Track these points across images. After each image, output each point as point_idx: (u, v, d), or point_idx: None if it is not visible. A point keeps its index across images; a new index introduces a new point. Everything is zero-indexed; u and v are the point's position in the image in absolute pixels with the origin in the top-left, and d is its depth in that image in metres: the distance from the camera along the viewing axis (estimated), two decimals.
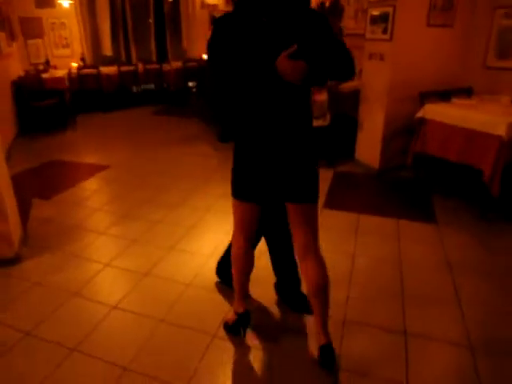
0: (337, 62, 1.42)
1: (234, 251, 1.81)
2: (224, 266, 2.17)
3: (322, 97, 3.97)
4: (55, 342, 1.89)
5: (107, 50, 7.80)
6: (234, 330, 1.92)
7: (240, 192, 1.64)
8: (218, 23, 1.47)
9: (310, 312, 1.86)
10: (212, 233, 2.91)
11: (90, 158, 4.70)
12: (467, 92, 3.82)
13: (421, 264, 2.50)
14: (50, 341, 1.91)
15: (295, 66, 1.34)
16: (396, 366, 1.75)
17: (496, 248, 2.66)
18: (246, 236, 1.75)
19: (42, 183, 3.97)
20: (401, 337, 1.91)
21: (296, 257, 1.77)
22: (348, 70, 1.45)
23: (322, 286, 1.69)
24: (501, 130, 2.78)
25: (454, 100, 3.50)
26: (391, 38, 3.61)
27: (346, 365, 1.75)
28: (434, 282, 2.32)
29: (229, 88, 1.54)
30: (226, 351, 1.85)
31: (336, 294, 2.19)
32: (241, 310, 1.91)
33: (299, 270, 1.80)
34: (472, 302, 2.14)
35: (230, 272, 1.89)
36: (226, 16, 1.48)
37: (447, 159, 3.20)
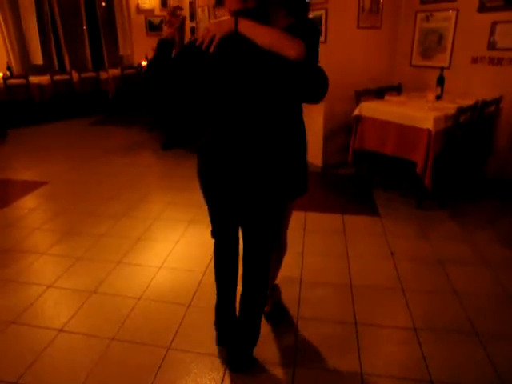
0: (312, 79, 1.45)
1: None
2: None
3: None
4: None
5: (37, 58, 7.34)
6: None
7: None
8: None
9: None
10: (160, 242, 2.84)
11: (25, 174, 4.40)
12: (397, 89, 4.08)
13: (366, 256, 2.63)
14: None
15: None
16: (349, 354, 1.83)
17: (432, 235, 2.87)
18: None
19: None
20: (351, 326, 1.99)
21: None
22: (321, 90, 1.49)
23: None
24: (429, 124, 2.99)
25: (387, 97, 3.72)
26: (325, 40, 3.76)
27: (301, 359, 1.80)
28: (379, 273, 2.45)
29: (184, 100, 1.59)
30: (182, 363, 1.82)
31: (289, 292, 2.25)
32: None
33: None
34: (414, 288, 2.29)
35: None
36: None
37: (384, 154, 3.39)
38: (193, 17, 7.55)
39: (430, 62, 3.96)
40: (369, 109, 3.50)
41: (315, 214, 3.21)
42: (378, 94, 3.83)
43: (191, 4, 7.55)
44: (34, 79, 6.55)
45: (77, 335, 2.00)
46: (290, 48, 1.32)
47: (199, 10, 7.31)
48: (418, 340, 1.90)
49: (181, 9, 1.52)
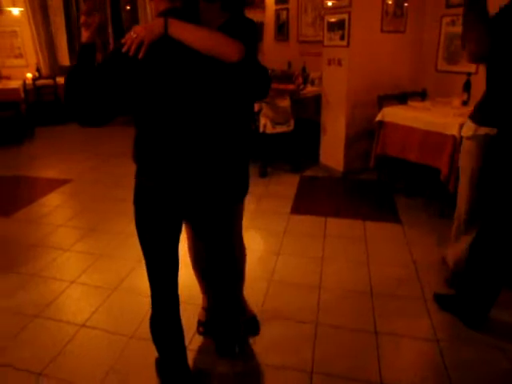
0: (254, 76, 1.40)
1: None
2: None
3: (284, 102, 4.04)
4: (20, 369, 1.80)
5: (64, 59, 7.55)
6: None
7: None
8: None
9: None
10: (183, 241, 2.86)
11: (51, 172, 4.52)
12: (422, 95, 4.01)
13: (388, 263, 2.59)
14: (14, 367, 1.81)
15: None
16: (368, 363, 1.80)
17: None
18: None
19: None
20: (371, 335, 1.96)
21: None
22: (263, 88, 1.45)
23: None
24: (454, 130, 2.93)
25: (410, 103, 3.66)
26: (348, 44, 3.74)
27: (318, 367, 1.78)
28: (401, 281, 2.41)
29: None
30: (200, 361, 1.83)
31: (308, 299, 2.24)
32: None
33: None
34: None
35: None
36: None
37: (407, 160, 3.34)
38: None
39: (456, 68, 3.88)
40: (391, 114, 3.45)
41: (336, 220, 3.19)
42: (401, 99, 3.77)
43: None
44: (61, 80, 6.72)
45: (98, 331, 2.03)
46: (227, 51, 1.23)
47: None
48: (440, 351, 1.86)
49: (95, 6, 1.29)
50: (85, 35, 1.27)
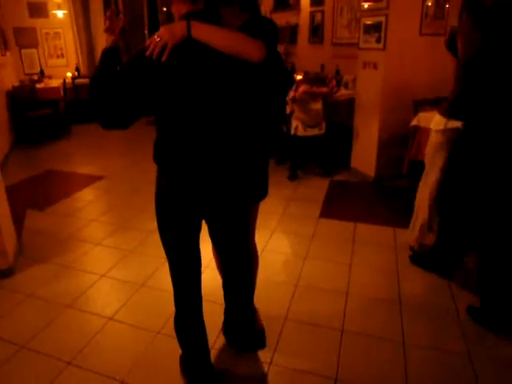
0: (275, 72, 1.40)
1: None
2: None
3: (317, 105, 4.02)
4: (51, 356, 1.88)
5: None
6: None
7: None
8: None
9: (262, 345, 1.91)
10: (208, 243, 2.90)
11: (85, 169, 4.69)
12: None
13: (418, 273, 2.51)
14: (45, 354, 1.89)
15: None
16: (395, 374, 1.76)
17: None
18: None
19: (36, 194, 3.95)
20: (399, 347, 1.91)
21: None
22: (285, 89, 1.46)
23: None
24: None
25: None
26: (384, 47, 3.67)
27: (343, 375, 1.75)
28: (431, 292, 2.33)
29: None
30: (225, 361, 1.84)
31: (333, 305, 2.21)
32: None
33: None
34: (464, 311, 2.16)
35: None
36: None
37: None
38: None
39: None
40: (427, 119, 3.35)
41: (365, 226, 3.13)
42: (437, 103, 3.65)
43: None
44: None
45: (125, 325, 2.09)
46: (250, 51, 1.23)
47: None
48: (473, 368, 1.78)
49: (119, 11, 1.34)
50: (108, 40, 1.32)
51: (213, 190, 1.43)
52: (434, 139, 2.36)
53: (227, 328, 1.93)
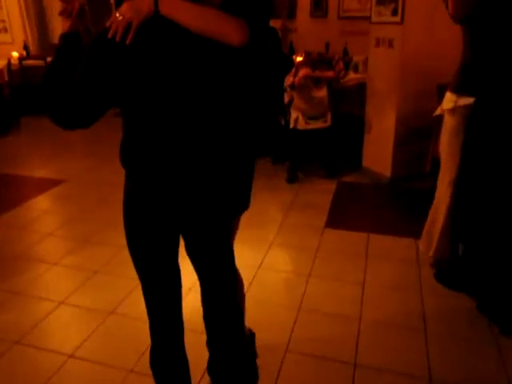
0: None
1: None
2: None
3: (320, 93, 4.05)
4: None
5: (57, 36, 7.79)
6: None
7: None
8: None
9: None
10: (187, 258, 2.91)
11: (39, 171, 4.68)
12: None
13: (445, 293, 2.54)
14: None
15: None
16: None
17: None
18: None
19: None
20: (424, 381, 1.93)
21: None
22: (279, 76, 1.47)
23: None
24: None
25: None
26: (402, 21, 3.71)
27: None
28: (462, 317, 2.36)
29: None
30: None
31: (345, 331, 2.23)
32: None
33: None
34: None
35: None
36: None
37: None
38: None
39: None
40: None
41: (381, 237, 3.16)
42: None
43: None
44: None
45: (89, 363, 2.08)
46: (228, 32, 1.23)
47: None
48: None
49: None
50: (65, 25, 1.31)
51: (188, 196, 1.43)
52: (447, 123, 2.31)
53: (213, 367, 1.93)
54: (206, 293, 1.76)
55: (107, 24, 1.23)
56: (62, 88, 1.25)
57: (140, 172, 1.40)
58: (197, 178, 1.42)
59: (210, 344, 1.87)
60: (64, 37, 1.32)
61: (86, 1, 1.37)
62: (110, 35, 1.20)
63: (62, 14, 1.33)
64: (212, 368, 1.92)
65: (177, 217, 1.47)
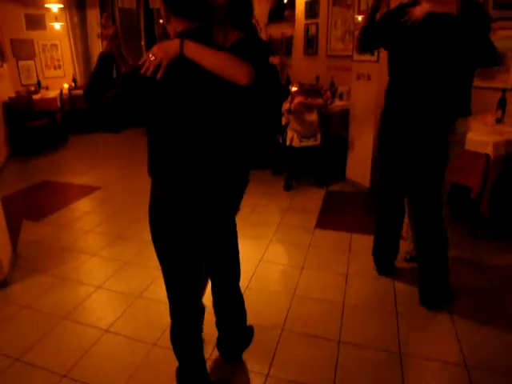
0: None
1: None
2: None
3: (312, 117, 4.05)
4: (45, 369, 1.86)
5: None
6: None
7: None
8: None
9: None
10: None
11: (81, 179, 4.68)
12: None
13: (414, 283, 2.52)
14: (40, 367, 1.87)
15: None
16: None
17: (489, 265, 2.70)
18: None
19: (32, 204, 3.94)
20: (396, 357, 1.91)
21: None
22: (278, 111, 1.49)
23: None
24: (488, 149, 2.85)
25: None
26: (378, 59, 3.72)
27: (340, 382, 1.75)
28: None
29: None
30: (220, 372, 1.83)
31: (331, 316, 2.21)
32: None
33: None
34: (466, 321, 2.16)
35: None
36: None
37: None
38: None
39: (490, 83, 3.79)
40: None
41: (361, 236, 3.13)
42: None
43: None
44: None
45: (121, 337, 2.07)
46: (237, 74, 1.25)
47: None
48: (468, 379, 1.79)
49: (108, 18, 1.45)
50: (103, 45, 1.43)
51: (206, 199, 1.44)
52: None
53: (222, 343, 1.92)
54: (218, 284, 1.75)
55: (140, 61, 1.26)
56: (97, 96, 1.33)
57: (165, 179, 1.40)
58: (214, 183, 1.42)
59: (218, 324, 1.86)
60: (101, 54, 1.40)
61: (119, 27, 1.44)
62: (142, 71, 1.24)
63: (99, 36, 1.43)
64: (221, 344, 1.91)
65: (203, 217, 1.46)
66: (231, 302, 1.78)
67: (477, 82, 3.87)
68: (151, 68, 1.23)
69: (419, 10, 1.90)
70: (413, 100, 2.14)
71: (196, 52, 1.24)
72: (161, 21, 8.35)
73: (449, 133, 2.12)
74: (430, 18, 1.91)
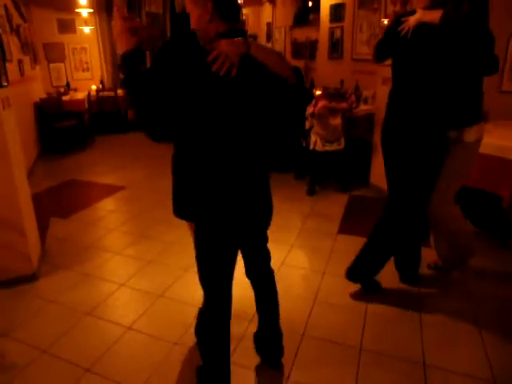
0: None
1: None
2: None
3: (336, 121, 4.02)
4: (70, 362, 1.91)
5: None
6: None
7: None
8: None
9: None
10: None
11: (107, 179, 4.80)
12: (483, 117, 3.82)
13: (439, 291, 2.46)
14: (65, 360, 1.92)
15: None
16: None
17: None
18: None
19: (60, 202, 4.07)
20: (419, 367, 1.87)
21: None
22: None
23: None
24: None
25: None
26: None
27: None
28: (453, 310, 2.28)
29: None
30: (240, 374, 1.84)
31: (353, 322, 2.18)
32: None
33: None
34: (494, 334, 2.09)
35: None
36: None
37: (465, 185, 3.18)
38: (269, 37, 7.80)
39: None
40: None
41: None
42: None
43: (268, 25, 7.82)
44: (121, 92, 7.17)
45: (143, 335, 2.11)
46: (291, 73, 1.33)
47: (276, 31, 7.55)
48: None
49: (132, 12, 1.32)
50: (128, 41, 1.26)
51: (239, 207, 1.47)
52: None
53: (259, 339, 1.96)
54: (259, 287, 1.82)
55: (210, 58, 1.24)
56: (145, 101, 1.27)
57: (191, 182, 1.45)
58: (239, 186, 1.44)
59: (261, 322, 1.90)
60: (131, 52, 1.27)
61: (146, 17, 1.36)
62: (214, 68, 1.24)
63: (130, 30, 1.26)
64: (258, 339, 1.97)
65: (239, 227, 1.51)
66: (265, 279, 1.82)
67: (509, 87, 3.80)
68: (227, 64, 1.24)
69: (411, 19, 1.98)
70: (407, 106, 2.19)
71: (260, 50, 1.31)
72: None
73: (453, 141, 2.18)
74: (422, 26, 1.95)
